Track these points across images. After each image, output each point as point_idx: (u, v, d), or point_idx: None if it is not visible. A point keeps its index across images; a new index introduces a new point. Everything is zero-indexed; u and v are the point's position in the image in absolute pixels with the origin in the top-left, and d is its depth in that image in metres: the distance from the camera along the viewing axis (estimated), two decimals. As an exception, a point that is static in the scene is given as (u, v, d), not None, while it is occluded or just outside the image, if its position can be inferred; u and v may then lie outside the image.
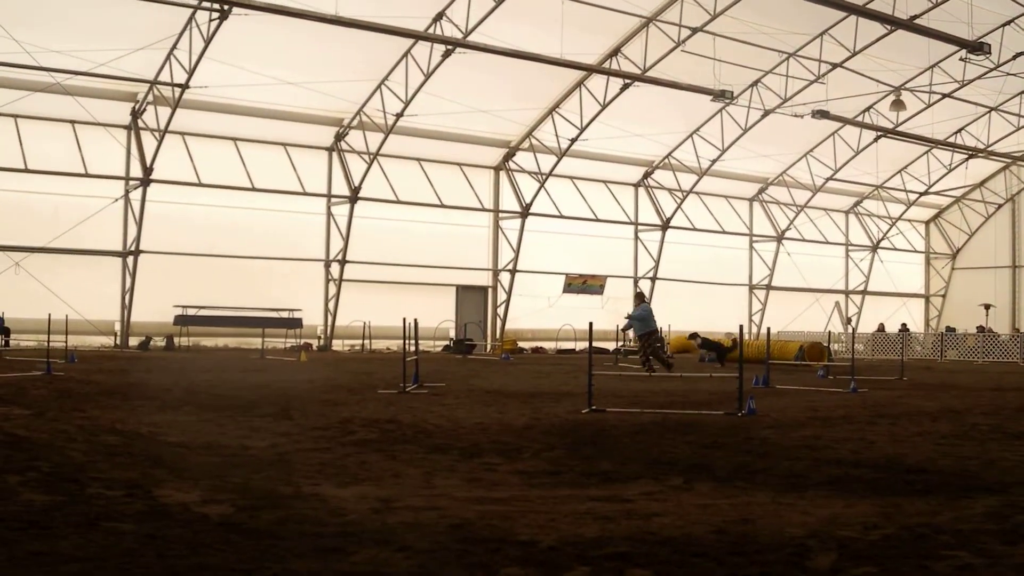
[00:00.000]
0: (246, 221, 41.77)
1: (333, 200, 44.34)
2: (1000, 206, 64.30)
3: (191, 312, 40.21)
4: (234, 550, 6.85)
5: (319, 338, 44.42)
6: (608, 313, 47.54)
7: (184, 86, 36.42)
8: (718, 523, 8.00)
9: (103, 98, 38.05)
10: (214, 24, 33.76)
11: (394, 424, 14.68)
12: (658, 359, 30.69)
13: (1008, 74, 47.62)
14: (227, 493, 8.92)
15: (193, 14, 34.47)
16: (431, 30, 37.12)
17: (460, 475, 10.28)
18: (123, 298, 39.84)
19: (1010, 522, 8.27)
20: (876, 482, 10.32)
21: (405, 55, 39.27)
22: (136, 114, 38.99)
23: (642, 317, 31.31)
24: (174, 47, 36.01)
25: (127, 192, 39.61)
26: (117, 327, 40.23)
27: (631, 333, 33.89)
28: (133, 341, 40.05)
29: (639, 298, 33.80)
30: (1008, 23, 43.87)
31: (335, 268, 44.28)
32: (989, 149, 55.06)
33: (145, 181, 38.75)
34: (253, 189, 41.33)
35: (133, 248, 39.46)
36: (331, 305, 44.44)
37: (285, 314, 41.95)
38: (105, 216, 38.94)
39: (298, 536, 7.28)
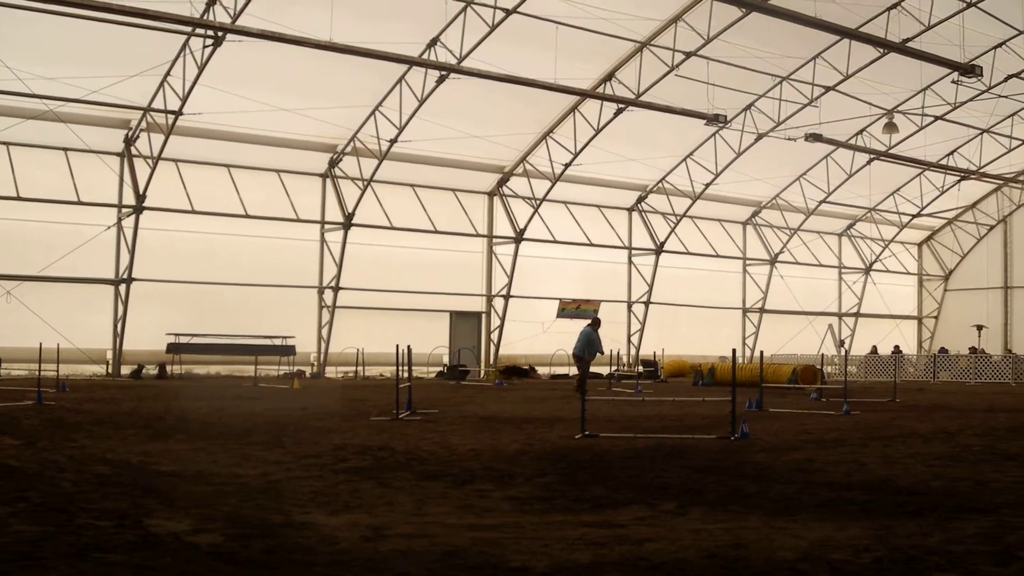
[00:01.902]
0: (239, 248, 41.71)
1: (327, 226, 44.32)
2: (992, 227, 64.39)
3: (183, 340, 40.10)
4: (224, 580, 6.82)
5: (312, 365, 44.32)
6: (602, 338, 47.53)
7: (177, 113, 36.41)
8: (710, 548, 7.98)
9: (96, 125, 37.98)
10: (208, 51, 33.73)
11: (387, 451, 14.65)
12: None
13: (1000, 96, 47.75)
14: (218, 522, 8.89)
15: (187, 41, 34.46)
16: (425, 56, 37.17)
17: (452, 502, 10.26)
18: (115, 326, 39.75)
19: (1001, 543, 8.27)
20: (868, 504, 10.32)
21: (399, 81, 39.30)
22: (129, 141, 38.92)
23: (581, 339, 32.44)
24: (168, 74, 35.96)
25: (120, 219, 39.54)
26: (109, 355, 40.11)
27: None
28: (125, 369, 39.86)
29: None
30: (999, 45, 44.00)
31: (328, 295, 44.23)
32: (981, 171, 55.19)
33: (138, 208, 38.68)
34: (246, 216, 41.26)
35: (126, 276, 39.36)
36: (324, 332, 44.35)
37: (278, 341, 41.84)
38: (97, 244, 38.84)
39: (289, 565, 7.25)
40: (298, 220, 43.11)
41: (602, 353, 34.03)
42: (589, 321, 33.58)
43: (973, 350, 54.93)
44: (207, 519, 9.02)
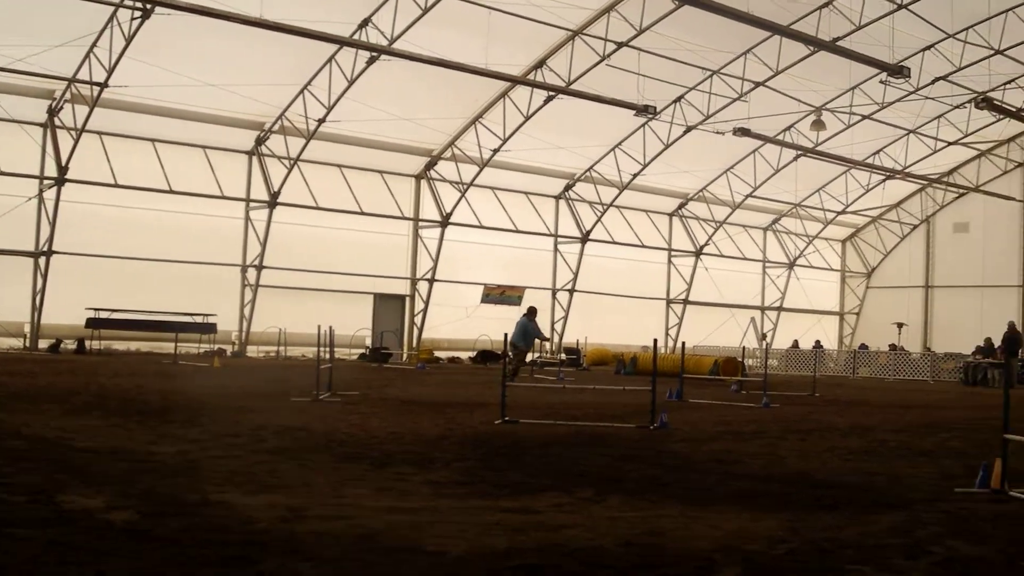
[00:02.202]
0: (162, 224, 41.24)
1: (252, 205, 44.02)
2: (915, 227, 65.06)
3: (104, 315, 39.65)
4: (137, 557, 6.76)
5: (233, 344, 44.06)
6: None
7: (103, 85, 35.95)
8: (627, 536, 8.02)
9: (19, 95, 37.51)
10: (136, 23, 33.33)
11: (306, 432, 14.59)
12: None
13: (927, 98, 48.20)
14: (133, 499, 8.81)
15: (115, 12, 33.99)
16: (356, 36, 36.92)
17: (371, 484, 10.23)
18: (34, 299, 39.21)
19: (914, 537, 8.38)
20: (784, 497, 10.41)
21: (329, 60, 39.04)
22: (53, 112, 38.39)
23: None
24: (94, 45, 35.43)
25: (41, 191, 39.01)
26: (27, 329, 39.63)
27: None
28: (43, 344, 39.44)
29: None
30: (928, 48, 44.39)
31: (252, 273, 43.95)
32: (906, 171, 55.71)
33: (60, 180, 38.19)
34: (171, 191, 40.84)
35: (46, 248, 38.86)
36: (247, 311, 44.09)
37: (199, 319, 41.51)
38: (17, 215, 38.22)
39: (203, 544, 7.19)
40: (223, 197, 42.74)
41: (546, 339, 34.86)
42: (525, 311, 33.13)
43: (893, 347, 55.50)
44: (122, 496, 8.93)
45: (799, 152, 50.58)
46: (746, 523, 8.75)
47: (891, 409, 25.10)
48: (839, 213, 61.99)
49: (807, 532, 8.42)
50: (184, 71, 36.26)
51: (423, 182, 48.75)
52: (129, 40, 34.06)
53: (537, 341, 35.37)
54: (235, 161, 43.61)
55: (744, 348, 44.30)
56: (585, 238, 53.50)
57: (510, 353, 29.30)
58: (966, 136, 55.00)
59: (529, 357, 42.85)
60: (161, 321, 40.40)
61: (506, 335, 19.06)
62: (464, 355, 49.07)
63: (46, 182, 38.77)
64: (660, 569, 7.00)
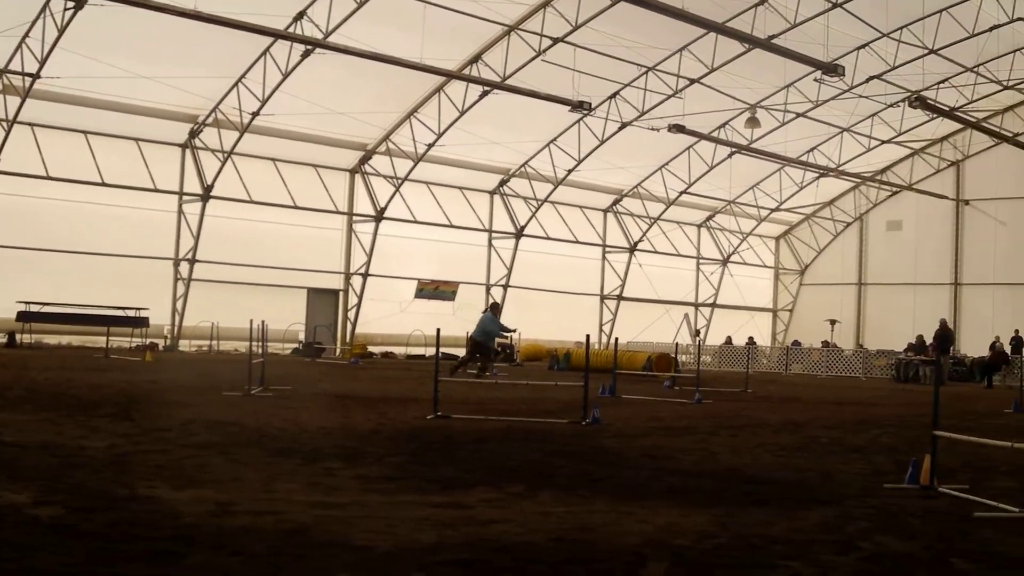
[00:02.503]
0: (94, 217, 40.95)
1: (185, 198, 43.73)
2: (848, 225, 65.62)
3: (34, 308, 39.28)
4: (64, 553, 6.71)
5: (166, 338, 43.78)
6: (459, 320, 47.62)
7: (35, 76, 35.57)
8: (557, 531, 8.03)
9: (-52, 85, 37.16)
10: (68, 13, 33.03)
11: (237, 427, 14.52)
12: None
13: (860, 96, 48.66)
14: (60, 494, 8.73)
15: (47, 2, 33.67)
16: (291, 29, 36.77)
17: (301, 479, 10.19)
18: (-37, 292, 38.86)
19: (843, 532, 8.45)
20: (715, 492, 10.46)
21: (264, 53, 38.84)
22: (-17, 103, 38.04)
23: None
24: (26, 35, 35.04)
25: (-29, 183, 38.64)
26: (-44, 322, 39.28)
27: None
28: (-27, 337, 39.11)
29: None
30: (862, 47, 44.79)
31: (184, 267, 43.69)
32: (840, 169, 56.20)
33: (-9, 173, 37.86)
34: (103, 184, 40.52)
35: (-24, 242, 38.51)
36: (179, 305, 43.82)
37: (132, 313, 41.24)
38: (-54, 208, 37.92)
39: (130, 539, 7.15)
40: (156, 190, 42.42)
41: (511, 331, 34.19)
42: (488, 307, 33.67)
43: (826, 344, 55.99)
44: (50, 491, 8.85)
45: (734, 149, 50.89)
46: (676, 518, 8.78)
47: (823, 405, 25.30)
48: (773, 210, 62.41)
49: (737, 527, 8.46)
50: (117, 63, 36.01)
51: (357, 176, 48.62)
52: (62, 31, 33.72)
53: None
54: (168, 154, 43.28)
55: (677, 344, 44.47)
56: (519, 233, 53.57)
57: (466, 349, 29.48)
58: (900, 135, 55.62)
59: (462, 353, 42.85)
60: (93, 315, 40.12)
61: (438, 330, 19.01)
62: (398, 350, 49.02)
63: (-24, 174, 38.33)
64: (590, 564, 7.02)
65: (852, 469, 12.63)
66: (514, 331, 34.65)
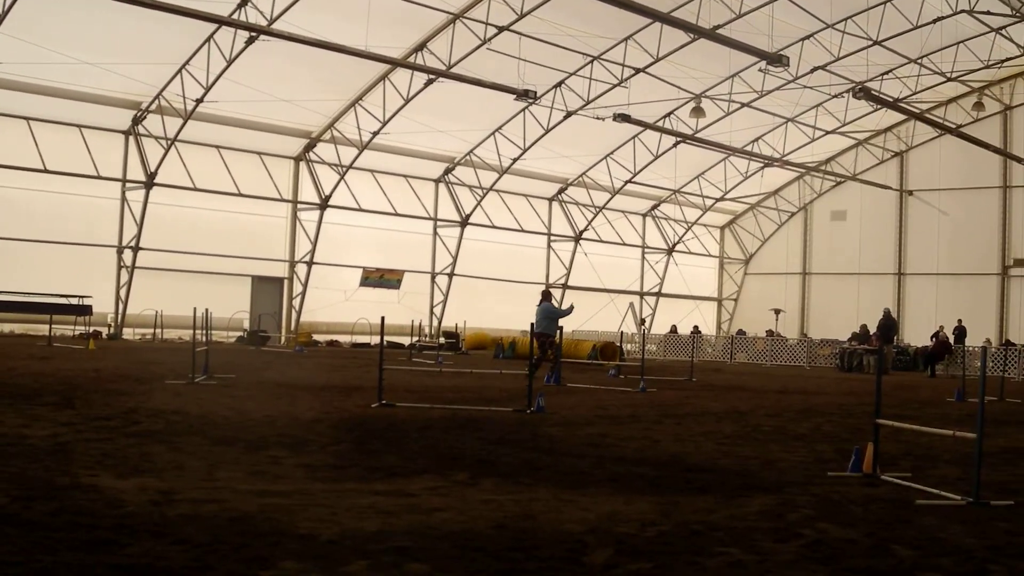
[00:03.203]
0: (36, 204, 40.56)
1: (128, 185, 43.35)
2: (793, 214, 65.95)
3: (-25, 296, 38.96)
4: (4, 542, 6.67)
5: (109, 326, 43.45)
6: (405, 308, 47.68)
7: (-25, 63, 35.30)
8: (500, 518, 8.08)
9: None
10: (10, 0, 32.74)
11: (180, 415, 14.48)
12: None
13: (805, 87, 48.94)
14: (2, 483, 8.71)
15: (-13, -11, 33.40)
16: (235, 16, 36.52)
17: (244, 468, 10.19)
18: (-98, 279, 38.45)
19: (784, 520, 8.53)
20: (657, 480, 10.53)
21: (207, 40, 38.55)
22: (-78, 89, 37.64)
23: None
24: (-34, 22, 34.80)
25: (-89, 169, 38.21)
26: None
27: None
28: (-87, 324, 38.72)
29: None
30: (807, 37, 45.03)
31: (128, 255, 43.34)
32: (784, 159, 56.47)
33: (-70, 159, 37.46)
34: (45, 171, 40.14)
35: (-85, 228, 38.10)
36: (123, 293, 43.50)
37: (75, 301, 40.86)
38: None
39: (71, 528, 7.13)
40: (99, 177, 42.06)
41: (567, 312, 30.52)
42: (540, 299, 30.15)
43: (770, 333, 56.28)
44: (-10, 480, 8.82)
45: (679, 139, 50.98)
46: (619, 506, 8.84)
47: (767, 394, 25.45)
48: (718, 200, 62.62)
49: (679, 515, 8.53)
50: (60, 49, 35.65)
51: (302, 164, 48.39)
52: (2, 17, 33.35)
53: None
54: (111, 141, 42.88)
55: (623, 333, 44.66)
56: (465, 222, 53.52)
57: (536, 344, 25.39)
58: (844, 125, 55.96)
59: (407, 341, 42.75)
60: (35, 303, 39.72)
61: (383, 318, 18.98)
62: (344, 339, 48.92)
63: (-86, 160, 37.94)
64: (532, 551, 7.05)
65: (794, 457, 12.75)
66: (568, 312, 31.12)
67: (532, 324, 23.14)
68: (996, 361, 39.85)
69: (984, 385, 10.38)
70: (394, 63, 40.73)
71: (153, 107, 41.81)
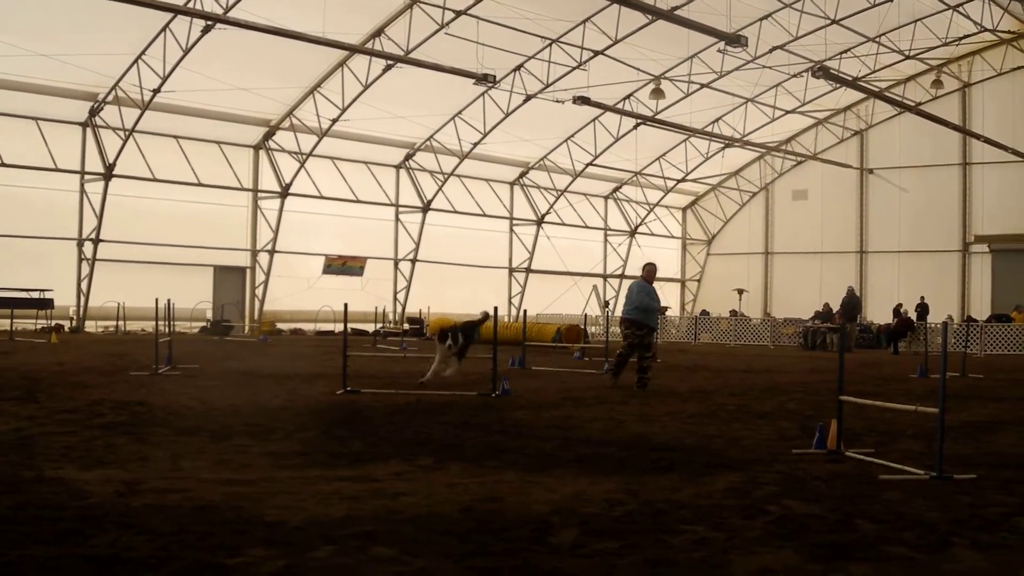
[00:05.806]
0: (-6, 197, 40.36)
1: (86, 177, 43.07)
2: (754, 195, 66.10)
3: (-66, 291, 38.70)
4: (-32, 536, 6.65)
5: (71, 319, 43.23)
6: (368, 295, 47.58)
7: (-72, 55, 35.00)
8: (466, 501, 8.11)
9: None
10: (-39, -8, 32.54)
11: (144, 406, 14.45)
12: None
13: (764, 67, 49.02)
14: (-36, 478, 8.67)
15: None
16: (191, 4, 36.30)
17: (209, 457, 10.19)
18: None
19: (749, 498, 8.59)
20: (623, 460, 10.58)
21: (163, 30, 38.28)
22: None
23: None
24: (-82, 14, 34.51)
25: None
26: None
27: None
28: None
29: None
30: (765, 17, 45.06)
31: (88, 247, 43.09)
32: (745, 139, 56.59)
33: None
34: (2, 164, 39.83)
35: None
36: (84, 285, 43.26)
37: (36, 294, 40.63)
38: None
39: (37, 521, 7.12)
40: (56, 170, 41.78)
41: (660, 304, 23.56)
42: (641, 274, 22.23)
43: (734, 313, 56.51)
44: (-47, 475, 8.79)
45: (639, 121, 51.05)
46: (584, 487, 8.88)
47: (731, 373, 25.59)
48: (679, 181, 62.69)
49: (644, 494, 8.58)
50: (14, 41, 35.38)
51: (262, 153, 48.19)
52: (-45, 9, 33.17)
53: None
54: (68, 132, 42.55)
55: (587, 316, 44.67)
56: (426, 207, 53.44)
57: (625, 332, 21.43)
58: (803, 105, 56.08)
59: (371, 328, 42.61)
60: (-6, 297, 39.51)
61: (346, 305, 18.97)
62: (307, 327, 48.83)
63: None
64: (499, 534, 7.08)
65: (759, 435, 12.83)
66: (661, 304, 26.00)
67: (626, 309, 19.71)
68: (958, 337, 40.02)
69: (946, 361, 10.44)
70: (352, 49, 40.59)
71: (110, 98, 41.51)
